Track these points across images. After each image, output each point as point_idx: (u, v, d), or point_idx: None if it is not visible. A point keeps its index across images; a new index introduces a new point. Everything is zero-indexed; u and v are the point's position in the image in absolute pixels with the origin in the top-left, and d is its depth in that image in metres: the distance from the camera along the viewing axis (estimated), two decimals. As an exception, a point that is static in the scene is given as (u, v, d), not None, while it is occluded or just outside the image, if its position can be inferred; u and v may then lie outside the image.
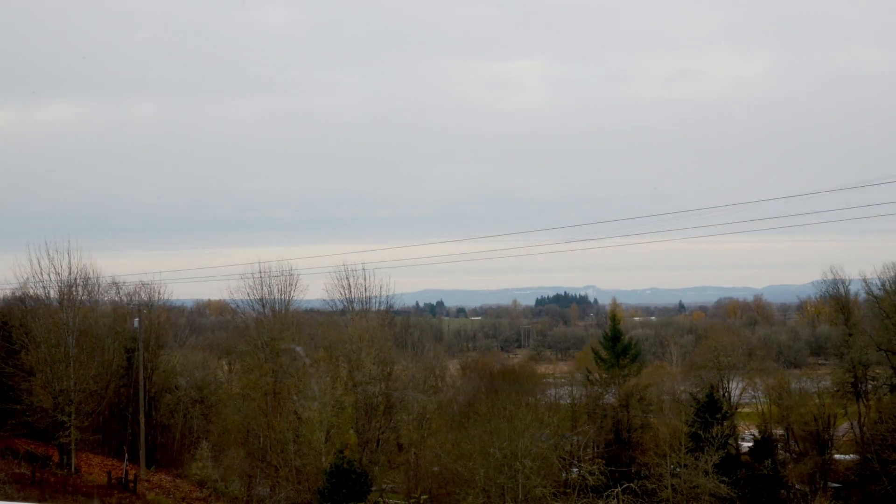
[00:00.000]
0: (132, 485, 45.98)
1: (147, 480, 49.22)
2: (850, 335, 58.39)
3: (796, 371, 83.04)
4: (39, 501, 36.95)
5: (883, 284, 58.87)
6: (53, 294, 52.41)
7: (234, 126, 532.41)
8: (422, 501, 35.89)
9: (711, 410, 50.50)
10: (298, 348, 56.41)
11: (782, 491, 53.46)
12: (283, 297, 56.21)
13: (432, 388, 62.58)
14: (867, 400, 58.17)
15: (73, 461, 47.96)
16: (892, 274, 57.99)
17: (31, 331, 50.04)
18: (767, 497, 52.65)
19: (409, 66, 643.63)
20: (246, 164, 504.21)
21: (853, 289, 64.95)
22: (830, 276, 63.78)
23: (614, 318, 69.68)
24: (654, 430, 54.72)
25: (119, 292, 63.30)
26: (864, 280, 61.86)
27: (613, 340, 64.93)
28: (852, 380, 57.77)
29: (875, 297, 59.81)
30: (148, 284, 62.68)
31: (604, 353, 65.02)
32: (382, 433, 50.21)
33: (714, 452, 42.58)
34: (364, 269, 58.56)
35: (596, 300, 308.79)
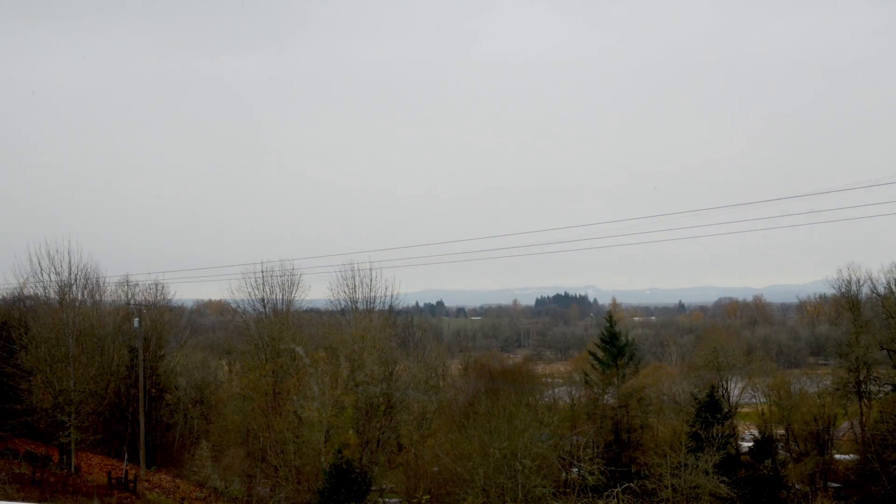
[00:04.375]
0: (132, 485, 45.98)
1: (147, 480, 49.20)
2: (859, 334, 58.48)
3: (796, 371, 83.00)
4: (39, 501, 36.95)
5: (888, 283, 59.05)
6: (53, 294, 52.48)
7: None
8: (424, 501, 35.93)
9: (712, 410, 50.49)
10: (299, 348, 56.37)
11: (782, 491, 53.43)
12: (284, 296, 56.23)
13: (433, 388, 62.53)
14: (869, 400, 58.21)
15: (73, 461, 47.94)
16: (897, 273, 58.15)
17: (31, 330, 50.06)
18: (767, 497, 52.62)
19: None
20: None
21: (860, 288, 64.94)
22: (846, 274, 63.82)
23: (611, 319, 69.45)
24: (653, 430, 54.78)
25: (123, 292, 63.31)
26: (870, 279, 62.17)
27: (610, 341, 64.87)
28: (855, 379, 57.82)
29: (880, 295, 59.97)
30: (151, 284, 62.73)
31: (601, 354, 64.97)
32: (383, 433, 50.16)
33: (714, 452, 42.59)
34: (371, 269, 58.36)
35: (596, 300, 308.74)
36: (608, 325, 67.20)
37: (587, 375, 65.48)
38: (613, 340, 64.78)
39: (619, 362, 62.94)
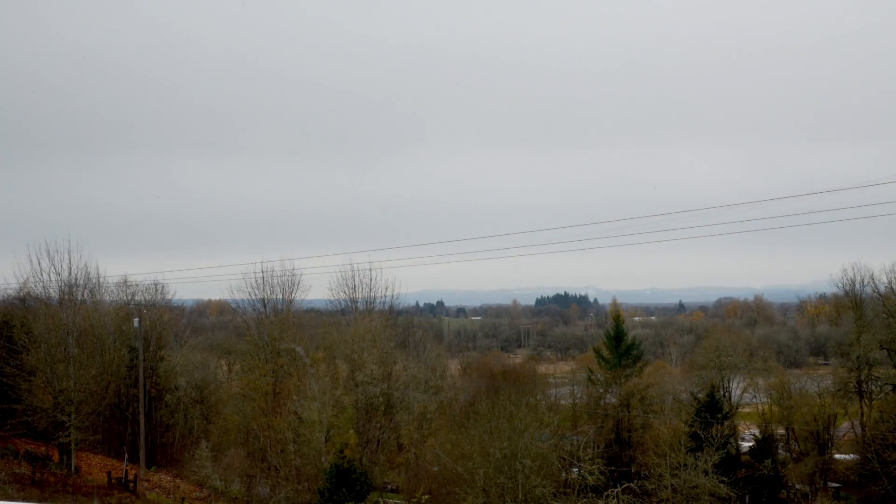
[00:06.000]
0: (132, 485, 46.00)
1: (147, 480, 49.21)
2: (861, 333, 58.53)
3: (796, 371, 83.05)
4: (39, 501, 36.97)
5: (889, 283, 59.16)
6: (54, 294, 52.49)
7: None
8: (423, 501, 35.92)
9: (712, 410, 50.53)
10: (299, 348, 56.43)
11: (782, 491, 53.47)
12: (284, 297, 56.29)
13: (433, 388, 62.47)
14: (870, 399, 58.23)
15: (73, 461, 47.95)
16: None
17: (31, 331, 50.05)
18: (767, 497, 52.66)
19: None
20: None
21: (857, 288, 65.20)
22: (850, 273, 64.09)
23: (618, 318, 69.40)
24: (654, 429, 54.78)
25: (124, 292, 63.31)
26: (872, 278, 62.39)
27: (616, 340, 64.95)
28: (856, 379, 57.82)
29: (881, 295, 60.06)
30: (152, 284, 62.78)
31: (606, 353, 65.05)
32: (383, 433, 50.19)
33: (714, 452, 42.62)
34: (371, 269, 58.51)
35: (596, 300, 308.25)
36: (615, 324, 67.28)
37: (592, 373, 65.55)
38: (619, 340, 64.89)
39: (623, 361, 62.99)
